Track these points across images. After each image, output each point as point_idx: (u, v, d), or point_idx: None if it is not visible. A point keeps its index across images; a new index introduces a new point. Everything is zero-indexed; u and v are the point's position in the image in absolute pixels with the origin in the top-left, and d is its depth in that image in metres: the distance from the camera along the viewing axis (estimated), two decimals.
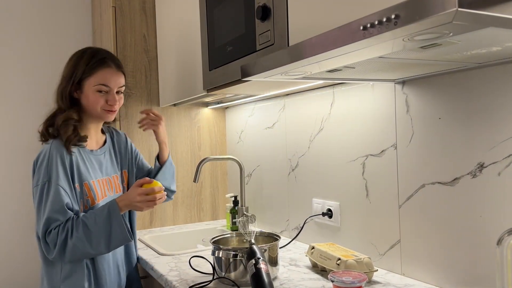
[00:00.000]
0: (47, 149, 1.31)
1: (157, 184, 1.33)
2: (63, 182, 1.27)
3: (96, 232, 1.24)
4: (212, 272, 1.28)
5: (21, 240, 2.26)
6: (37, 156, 1.32)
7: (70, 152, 1.31)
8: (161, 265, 1.44)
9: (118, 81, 1.38)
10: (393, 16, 0.61)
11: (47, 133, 1.35)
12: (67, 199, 1.26)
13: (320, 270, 1.31)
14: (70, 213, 1.26)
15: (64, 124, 1.31)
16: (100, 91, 1.34)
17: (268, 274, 1.09)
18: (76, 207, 1.29)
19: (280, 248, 1.53)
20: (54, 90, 1.39)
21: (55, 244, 1.23)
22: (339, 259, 1.19)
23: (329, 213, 1.50)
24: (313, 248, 1.34)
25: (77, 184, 1.31)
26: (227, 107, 2.22)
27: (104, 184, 1.41)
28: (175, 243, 1.90)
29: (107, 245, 1.26)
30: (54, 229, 1.24)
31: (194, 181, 1.81)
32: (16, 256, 2.27)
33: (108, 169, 1.46)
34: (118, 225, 1.26)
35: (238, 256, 1.19)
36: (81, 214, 1.28)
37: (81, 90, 1.35)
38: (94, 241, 1.24)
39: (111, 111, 1.38)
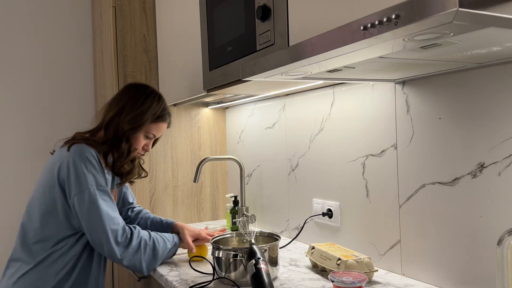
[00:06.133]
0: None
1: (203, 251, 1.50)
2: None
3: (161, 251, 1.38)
4: (212, 272, 1.28)
5: None
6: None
7: (131, 183, 1.52)
8: (161, 265, 1.44)
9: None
10: (393, 16, 0.61)
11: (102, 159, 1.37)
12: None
13: (320, 270, 1.31)
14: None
15: (134, 166, 1.44)
16: (147, 137, 1.45)
17: (268, 274, 1.09)
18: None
19: (280, 248, 1.53)
20: (101, 109, 1.46)
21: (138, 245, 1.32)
22: (339, 259, 1.19)
23: (329, 213, 1.50)
24: (313, 248, 1.34)
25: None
26: (227, 107, 2.22)
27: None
28: None
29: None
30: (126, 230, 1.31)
31: (194, 181, 1.81)
32: None
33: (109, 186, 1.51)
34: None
35: (238, 256, 1.19)
36: (152, 233, 1.39)
37: (136, 129, 1.40)
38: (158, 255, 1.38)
39: (141, 154, 1.49)
